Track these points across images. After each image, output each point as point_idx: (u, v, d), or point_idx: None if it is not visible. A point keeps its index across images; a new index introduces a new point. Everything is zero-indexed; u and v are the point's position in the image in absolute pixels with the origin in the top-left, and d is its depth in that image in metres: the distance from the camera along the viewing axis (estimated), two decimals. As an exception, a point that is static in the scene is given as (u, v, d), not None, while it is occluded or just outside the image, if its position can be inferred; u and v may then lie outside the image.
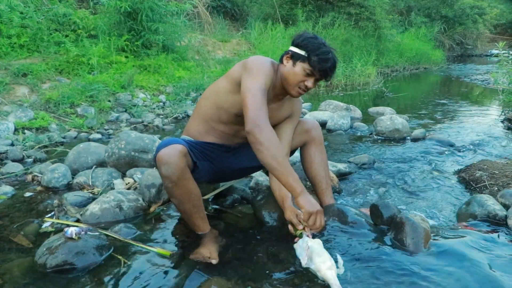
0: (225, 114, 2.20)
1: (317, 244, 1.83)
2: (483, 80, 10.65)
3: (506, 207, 2.47)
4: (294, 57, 2.11)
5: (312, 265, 1.75)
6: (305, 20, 10.82)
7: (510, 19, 24.35)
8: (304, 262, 1.79)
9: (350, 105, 6.09)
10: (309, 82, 2.11)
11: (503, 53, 6.11)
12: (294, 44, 2.14)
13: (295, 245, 1.94)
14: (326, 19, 11.04)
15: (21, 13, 6.17)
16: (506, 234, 2.23)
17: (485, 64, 15.53)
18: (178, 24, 7.82)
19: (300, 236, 1.94)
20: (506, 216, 2.35)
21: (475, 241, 2.04)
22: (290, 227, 2.07)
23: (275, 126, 2.35)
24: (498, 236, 2.18)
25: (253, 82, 1.99)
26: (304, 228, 1.96)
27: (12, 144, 4.01)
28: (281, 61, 2.19)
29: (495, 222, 2.35)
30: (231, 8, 12.08)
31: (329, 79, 2.18)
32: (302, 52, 2.08)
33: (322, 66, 2.07)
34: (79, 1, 7.92)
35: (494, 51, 16.84)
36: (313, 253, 1.78)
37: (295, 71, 2.10)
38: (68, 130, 4.67)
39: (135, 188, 2.75)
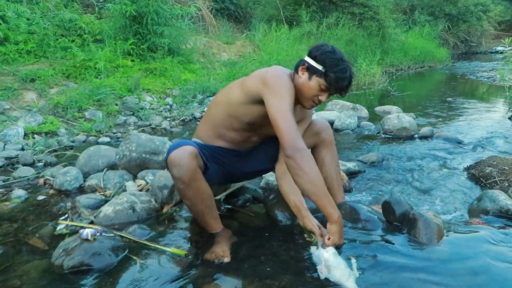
0: (237, 122, 2.19)
1: (332, 256, 1.83)
2: (489, 77, 10.62)
3: (518, 202, 2.47)
4: (310, 70, 2.07)
5: (332, 278, 1.77)
6: (309, 21, 10.83)
7: (514, 15, 24.28)
8: (322, 275, 1.79)
9: (357, 105, 6.10)
10: (323, 97, 2.09)
11: (509, 50, 6.10)
12: (311, 56, 2.08)
13: (312, 251, 1.95)
14: (330, 20, 11.05)
15: (28, 19, 6.21)
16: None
17: (490, 61, 15.49)
18: (183, 27, 7.85)
19: (316, 244, 1.95)
20: (518, 211, 2.36)
21: (488, 236, 2.05)
22: (305, 234, 2.07)
23: None
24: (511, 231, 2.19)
25: (281, 103, 1.95)
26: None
27: (23, 149, 4.04)
28: (296, 70, 2.15)
29: (508, 217, 2.36)
30: (235, 11, 12.13)
31: (344, 95, 2.15)
32: (320, 67, 2.03)
33: (339, 84, 2.04)
34: (85, 6, 7.97)
35: (499, 48, 16.77)
36: (330, 267, 1.79)
37: (311, 85, 2.06)
38: (77, 134, 4.70)
39: (147, 190, 2.77)
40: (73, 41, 6.53)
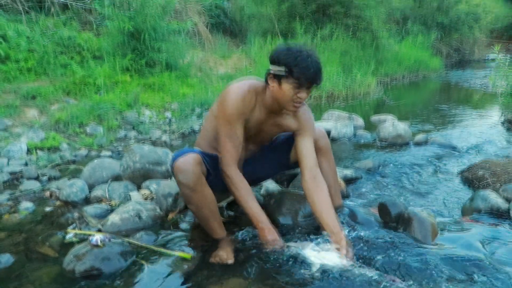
0: None
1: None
2: (482, 84, 10.77)
3: (508, 200, 2.58)
4: (277, 76, 2.06)
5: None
6: (304, 33, 10.96)
7: (505, 23, 24.58)
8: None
9: (353, 114, 6.19)
10: (302, 94, 2.07)
11: (500, 57, 6.23)
12: (272, 62, 2.09)
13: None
14: (324, 32, 11.17)
15: (28, 38, 6.33)
16: (509, 225, 2.33)
17: (483, 68, 15.67)
18: (180, 43, 7.97)
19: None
20: (508, 209, 2.46)
21: (479, 233, 2.15)
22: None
23: (276, 136, 2.50)
24: (502, 227, 2.28)
25: (220, 129, 2.18)
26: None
27: (26, 164, 4.12)
28: (267, 82, 2.15)
29: (498, 215, 2.46)
30: (230, 25, 12.27)
31: (320, 83, 2.09)
32: (282, 69, 2.02)
33: (306, 75, 2.01)
34: (83, 24, 8.09)
35: (492, 56, 16.96)
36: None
37: (283, 90, 2.06)
38: (79, 149, 4.78)
39: (152, 199, 2.86)
40: (72, 58, 6.63)
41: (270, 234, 2.13)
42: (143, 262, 2.09)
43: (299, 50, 2.03)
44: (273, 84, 2.11)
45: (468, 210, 2.59)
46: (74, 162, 4.40)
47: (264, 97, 2.19)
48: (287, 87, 2.05)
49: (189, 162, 2.07)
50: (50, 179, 3.77)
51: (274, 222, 2.48)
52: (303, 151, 2.32)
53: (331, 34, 11.26)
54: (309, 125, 2.37)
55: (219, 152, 2.21)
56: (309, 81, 2.04)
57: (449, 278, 1.79)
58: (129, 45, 7.04)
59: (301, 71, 2.00)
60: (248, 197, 2.19)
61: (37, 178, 3.76)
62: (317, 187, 2.24)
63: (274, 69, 2.07)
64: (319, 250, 1.96)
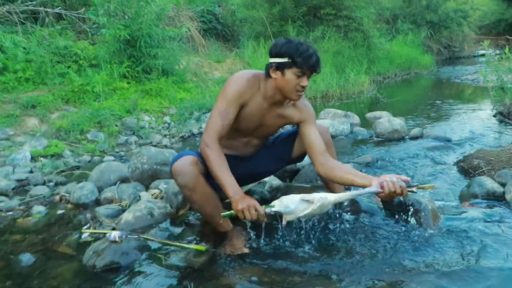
0: (229, 130, 2.32)
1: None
2: (473, 80, 10.93)
3: (502, 185, 2.71)
4: (280, 67, 2.17)
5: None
6: (296, 36, 11.07)
7: (493, 19, 24.89)
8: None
9: (348, 112, 6.30)
10: (304, 81, 2.18)
11: (490, 53, 6.37)
12: (273, 55, 2.19)
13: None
14: (316, 33, 11.28)
15: (25, 48, 6.40)
16: (504, 206, 2.47)
17: (474, 64, 15.86)
18: (175, 49, 8.06)
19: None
20: (503, 192, 2.59)
21: (478, 216, 2.26)
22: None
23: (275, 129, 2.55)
24: (499, 208, 2.41)
25: (216, 105, 2.24)
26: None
27: (31, 171, 4.20)
28: (268, 75, 2.24)
29: (494, 199, 2.59)
30: (222, 30, 12.38)
31: (320, 71, 2.23)
32: (285, 59, 2.14)
33: (309, 63, 2.14)
34: (78, 33, 8.16)
35: (481, 51, 17.16)
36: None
37: (287, 79, 2.16)
38: (82, 155, 4.86)
39: (162, 198, 2.96)
40: (69, 67, 6.69)
41: (242, 202, 2.02)
42: (160, 255, 2.19)
43: (299, 42, 2.17)
44: (275, 75, 2.20)
45: (466, 196, 2.71)
46: (78, 168, 4.48)
47: (266, 88, 2.28)
48: (290, 75, 2.16)
49: (185, 164, 2.19)
50: (56, 184, 3.85)
51: (281, 216, 2.58)
52: (310, 139, 2.39)
53: (323, 36, 11.38)
54: (311, 113, 2.46)
55: (205, 128, 2.24)
56: (311, 69, 2.17)
57: (453, 256, 1.91)
58: (126, 52, 7.11)
59: (304, 60, 2.13)
60: (221, 167, 2.11)
61: (43, 184, 3.84)
62: (334, 164, 2.31)
63: (277, 60, 2.17)
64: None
